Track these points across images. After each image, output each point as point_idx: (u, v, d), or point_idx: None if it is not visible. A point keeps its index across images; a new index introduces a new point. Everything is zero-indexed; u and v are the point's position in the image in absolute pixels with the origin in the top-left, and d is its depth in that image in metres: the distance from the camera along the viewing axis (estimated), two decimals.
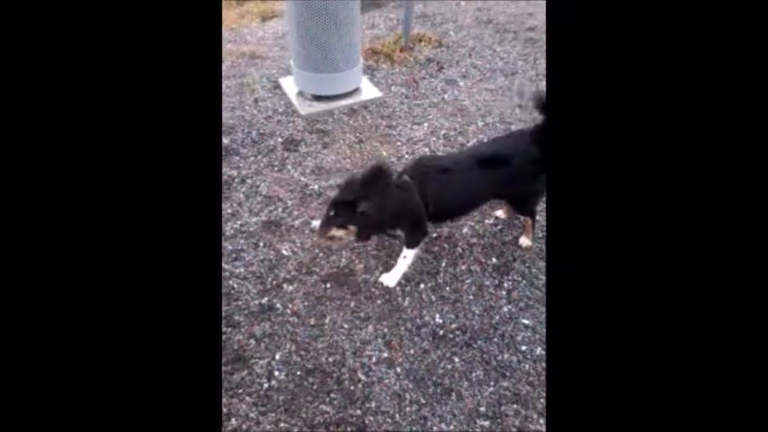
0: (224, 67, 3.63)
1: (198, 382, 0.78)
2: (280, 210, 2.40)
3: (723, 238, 0.71)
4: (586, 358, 0.76)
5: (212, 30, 0.85)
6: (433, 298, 1.99)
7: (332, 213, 1.75)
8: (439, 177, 1.81)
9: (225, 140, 2.86)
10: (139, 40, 0.78)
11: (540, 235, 2.25)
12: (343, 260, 2.15)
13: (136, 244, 0.76)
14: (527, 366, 1.74)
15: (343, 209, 1.72)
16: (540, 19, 4.24)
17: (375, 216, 1.73)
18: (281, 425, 1.58)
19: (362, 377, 1.71)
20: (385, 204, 1.73)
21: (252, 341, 1.82)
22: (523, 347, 1.80)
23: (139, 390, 0.75)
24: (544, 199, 2.17)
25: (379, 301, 1.98)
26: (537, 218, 2.19)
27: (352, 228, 1.76)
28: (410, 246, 1.95)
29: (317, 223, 1.80)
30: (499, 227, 2.32)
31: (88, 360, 0.73)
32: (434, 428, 1.57)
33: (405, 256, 1.99)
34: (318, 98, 3.16)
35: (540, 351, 1.79)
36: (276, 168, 2.68)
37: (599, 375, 0.75)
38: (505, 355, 1.78)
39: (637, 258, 0.75)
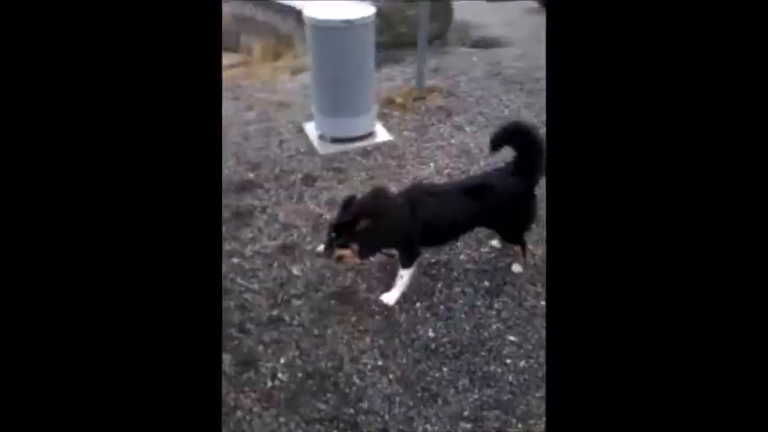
0: (254, 113, 4.06)
1: (198, 378, 0.79)
2: (295, 236, 2.66)
3: (723, 246, 0.71)
4: (586, 366, 0.77)
5: (213, 78, 0.88)
6: (428, 315, 2.16)
7: (333, 235, 1.97)
8: (428, 201, 2.04)
9: (251, 175, 3.19)
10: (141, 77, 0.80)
11: (532, 263, 2.42)
12: (348, 281, 2.36)
13: (138, 246, 0.79)
14: (510, 377, 1.87)
15: (344, 229, 1.94)
16: None
17: (375, 233, 1.94)
18: (281, 419, 1.75)
19: (357, 381, 1.88)
20: (383, 223, 1.95)
21: (260, 347, 2.02)
22: (508, 360, 1.94)
23: (140, 385, 0.76)
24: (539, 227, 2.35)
25: (378, 317, 2.16)
26: (529, 247, 2.37)
27: (354, 247, 1.98)
28: (405, 265, 2.15)
29: (321, 247, 2.02)
30: (494, 254, 2.50)
31: (90, 355, 0.75)
32: (420, 428, 1.71)
33: (401, 276, 2.18)
34: (336, 140, 3.50)
35: (523, 364, 1.92)
36: (294, 200, 2.97)
37: (598, 383, 0.76)
38: (491, 367, 1.91)
39: (637, 275, 0.76)
